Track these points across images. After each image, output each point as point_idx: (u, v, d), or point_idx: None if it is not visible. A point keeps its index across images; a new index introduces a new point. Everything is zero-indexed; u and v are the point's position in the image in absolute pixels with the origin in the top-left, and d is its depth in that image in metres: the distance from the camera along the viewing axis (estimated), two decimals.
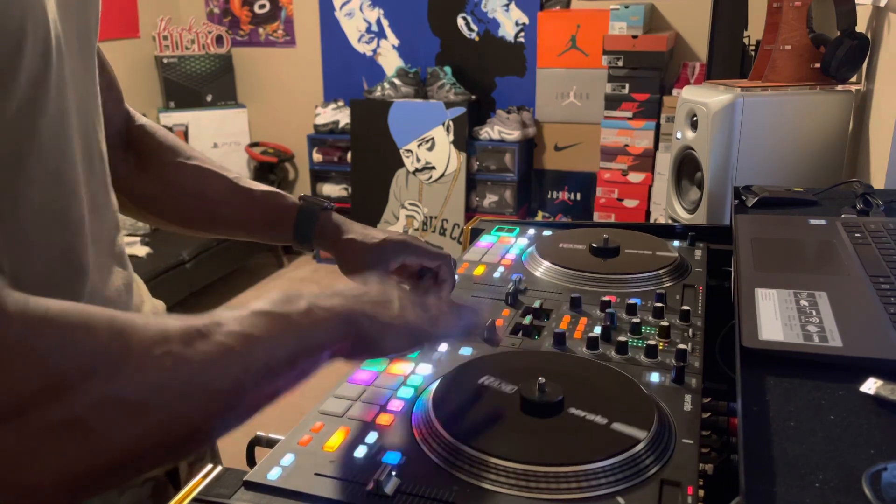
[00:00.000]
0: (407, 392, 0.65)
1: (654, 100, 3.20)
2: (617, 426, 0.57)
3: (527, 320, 0.79)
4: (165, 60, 4.05)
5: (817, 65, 1.98)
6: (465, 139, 3.59)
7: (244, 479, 0.54)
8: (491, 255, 1.01)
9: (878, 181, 1.69)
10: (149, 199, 0.82)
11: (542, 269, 0.94)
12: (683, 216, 2.10)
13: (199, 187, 0.82)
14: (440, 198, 3.71)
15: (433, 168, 3.68)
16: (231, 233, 0.88)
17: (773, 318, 0.70)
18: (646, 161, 3.26)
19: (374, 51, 3.99)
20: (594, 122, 3.39)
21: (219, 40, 4.16)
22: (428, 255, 0.83)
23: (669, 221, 2.17)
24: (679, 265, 0.93)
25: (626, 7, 3.13)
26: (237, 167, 4.31)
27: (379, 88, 3.76)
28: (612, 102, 3.26)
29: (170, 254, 3.26)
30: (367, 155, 3.79)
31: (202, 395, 0.45)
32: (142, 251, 3.25)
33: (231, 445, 0.76)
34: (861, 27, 1.93)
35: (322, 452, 0.57)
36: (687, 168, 2.10)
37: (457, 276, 0.88)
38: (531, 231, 1.11)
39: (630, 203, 3.33)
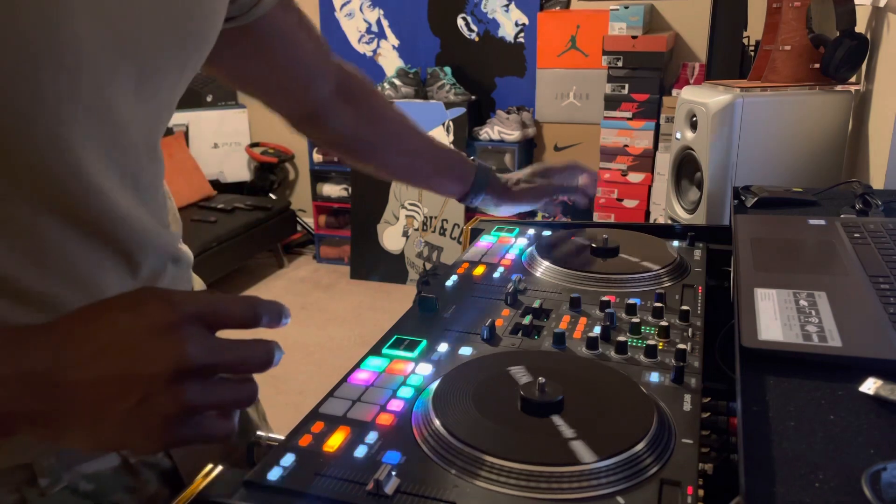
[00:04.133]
0: (407, 392, 0.65)
1: (653, 100, 3.20)
2: (575, 445, 0.56)
3: (526, 320, 0.78)
4: None
5: (817, 65, 1.98)
6: (465, 139, 3.59)
7: (244, 479, 0.54)
8: (491, 255, 1.01)
9: (877, 181, 1.69)
10: (369, 147, 0.95)
11: (542, 269, 0.94)
12: (683, 216, 2.11)
13: (404, 142, 0.97)
14: (440, 198, 3.70)
15: None
16: (415, 183, 1.06)
17: (773, 318, 0.70)
18: (645, 161, 3.26)
19: (374, 51, 3.99)
20: (594, 122, 3.39)
21: None
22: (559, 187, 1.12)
23: (669, 221, 2.17)
24: (679, 265, 0.93)
25: (626, 7, 3.13)
26: (238, 167, 4.31)
27: (379, 89, 3.76)
28: (611, 103, 3.26)
29: None
30: None
31: None
32: None
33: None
34: (860, 27, 1.93)
35: (322, 452, 0.57)
36: (686, 168, 2.11)
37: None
38: (531, 231, 1.11)
39: (630, 203, 3.33)
